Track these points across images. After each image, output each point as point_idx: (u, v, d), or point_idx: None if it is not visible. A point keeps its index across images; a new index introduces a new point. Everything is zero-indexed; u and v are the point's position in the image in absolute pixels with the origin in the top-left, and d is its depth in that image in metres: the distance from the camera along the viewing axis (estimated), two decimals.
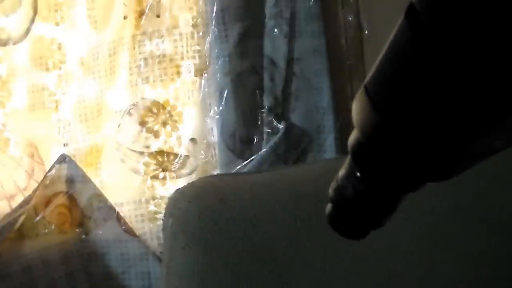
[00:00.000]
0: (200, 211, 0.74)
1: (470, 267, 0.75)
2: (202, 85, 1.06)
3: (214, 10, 1.02)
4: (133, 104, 1.08)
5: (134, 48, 1.07)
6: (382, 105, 0.33)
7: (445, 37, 0.29)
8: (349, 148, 0.37)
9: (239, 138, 1.03)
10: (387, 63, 0.33)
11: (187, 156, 1.08)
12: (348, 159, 0.37)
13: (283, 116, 1.03)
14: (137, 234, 1.04)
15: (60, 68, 1.13)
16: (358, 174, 0.36)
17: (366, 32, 1.04)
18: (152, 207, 1.08)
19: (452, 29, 0.29)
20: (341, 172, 0.38)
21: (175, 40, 1.07)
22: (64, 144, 1.12)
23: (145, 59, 1.07)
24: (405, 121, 0.32)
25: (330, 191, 0.39)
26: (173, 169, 1.08)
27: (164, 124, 1.08)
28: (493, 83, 0.29)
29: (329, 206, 0.40)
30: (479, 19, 0.28)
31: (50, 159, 1.10)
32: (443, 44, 0.29)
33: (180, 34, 1.07)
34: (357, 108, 0.35)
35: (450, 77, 0.29)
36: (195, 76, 1.07)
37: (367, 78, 0.34)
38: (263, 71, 1.03)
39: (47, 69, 1.13)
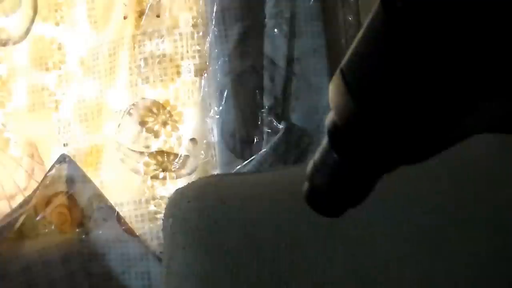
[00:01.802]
0: (200, 211, 0.74)
1: (472, 268, 0.75)
2: (202, 85, 1.06)
3: (214, 10, 1.02)
4: (133, 104, 1.08)
5: (134, 48, 1.07)
6: (357, 89, 0.33)
7: (418, 22, 0.30)
8: (326, 130, 0.37)
9: (239, 138, 1.03)
10: (362, 47, 0.33)
11: (187, 156, 1.08)
12: (325, 140, 0.38)
13: (283, 116, 1.03)
14: (137, 234, 1.04)
15: (60, 68, 1.13)
16: (335, 155, 0.37)
17: None
18: (152, 207, 1.08)
19: (425, 15, 0.29)
20: (319, 151, 0.39)
21: (175, 40, 1.07)
22: (64, 144, 1.12)
23: (145, 59, 1.07)
24: (380, 107, 0.33)
25: (308, 169, 0.40)
26: (173, 169, 1.08)
27: (164, 124, 1.08)
28: (465, 69, 0.30)
29: (306, 184, 0.40)
30: (450, 4, 0.29)
31: (50, 159, 1.10)
32: (417, 29, 0.30)
33: (180, 34, 1.07)
34: (333, 90, 0.35)
35: (421, 62, 0.30)
36: (195, 76, 1.07)
37: (344, 61, 0.34)
38: (263, 71, 1.03)
39: (47, 69, 1.13)
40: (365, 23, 0.32)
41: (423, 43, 0.30)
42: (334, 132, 0.36)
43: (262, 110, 1.03)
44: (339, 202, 0.39)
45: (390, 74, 0.31)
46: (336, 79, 0.34)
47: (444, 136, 0.33)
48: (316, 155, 0.39)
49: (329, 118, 0.37)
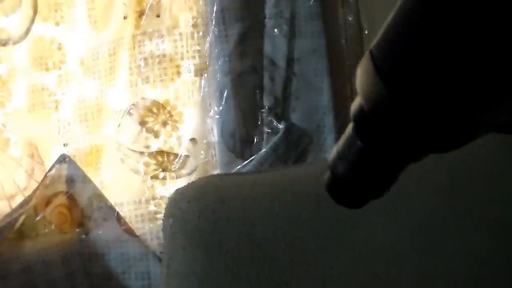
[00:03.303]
0: (200, 211, 0.74)
1: (471, 267, 0.76)
2: (202, 85, 1.06)
3: (214, 10, 1.02)
4: (133, 104, 1.08)
5: (134, 48, 1.07)
6: (387, 71, 0.31)
7: (451, 2, 0.28)
8: (351, 116, 0.35)
9: (239, 138, 1.03)
10: (394, 27, 0.31)
11: (187, 156, 1.08)
12: (349, 127, 0.36)
13: (283, 116, 1.03)
14: (137, 234, 1.04)
15: (60, 68, 1.13)
16: (360, 143, 0.35)
17: (366, 32, 1.04)
18: (152, 207, 1.07)
19: None
20: (342, 139, 0.37)
21: (175, 40, 1.07)
22: (64, 144, 1.12)
23: (145, 59, 1.07)
24: (412, 90, 0.30)
25: (330, 157, 0.38)
26: (173, 169, 1.08)
27: (164, 124, 1.08)
28: (503, 48, 0.28)
29: (327, 174, 0.38)
30: None
31: (50, 159, 1.09)
32: (450, 9, 0.28)
33: (180, 34, 1.07)
34: (361, 74, 0.33)
35: (458, 42, 0.28)
36: (195, 76, 1.07)
37: (373, 42, 0.32)
38: (263, 71, 1.03)
39: (47, 69, 1.13)
40: (397, 4, 0.31)
41: (457, 23, 0.28)
42: (360, 118, 0.34)
43: (262, 110, 1.03)
44: (362, 193, 0.37)
45: (423, 54, 0.30)
46: (365, 61, 0.32)
47: (477, 123, 0.31)
48: (340, 143, 0.37)
49: (355, 103, 0.35)
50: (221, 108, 1.03)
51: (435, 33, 0.29)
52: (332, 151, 0.38)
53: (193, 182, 0.80)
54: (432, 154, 0.34)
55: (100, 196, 1.03)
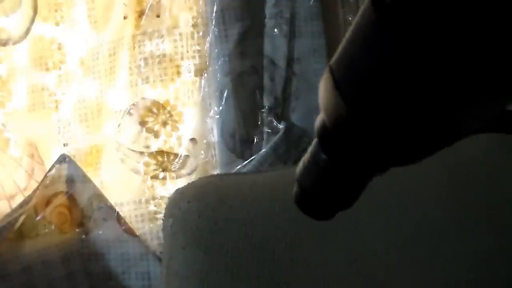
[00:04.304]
0: (200, 211, 0.74)
1: (471, 268, 0.75)
2: (202, 85, 1.06)
3: (214, 10, 1.02)
4: (133, 104, 1.08)
5: (134, 48, 1.07)
6: (346, 87, 0.31)
7: (408, 19, 0.28)
8: (315, 131, 0.36)
9: (239, 138, 1.03)
10: (351, 44, 0.31)
11: (187, 156, 1.08)
12: (315, 141, 0.37)
13: (283, 116, 1.03)
14: (137, 234, 1.04)
15: (60, 68, 1.13)
16: (324, 156, 0.36)
17: None
18: (152, 207, 1.07)
19: (415, 11, 0.28)
20: (308, 152, 0.38)
21: (175, 40, 1.07)
22: (64, 144, 1.12)
23: (145, 59, 1.07)
24: (370, 106, 0.31)
25: (297, 170, 0.39)
26: (173, 169, 1.08)
27: (164, 124, 1.08)
28: (458, 70, 0.28)
29: (295, 186, 0.39)
30: (442, 3, 0.28)
31: (50, 159, 1.09)
32: (407, 26, 0.28)
33: (180, 34, 1.07)
34: (322, 89, 0.34)
35: (413, 61, 0.29)
36: (195, 76, 1.07)
37: (333, 58, 0.33)
38: (263, 71, 1.03)
39: (47, 69, 1.13)
40: (355, 19, 0.31)
41: (414, 40, 0.28)
42: (323, 132, 0.35)
43: (262, 110, 1.03)
44: (329, 205, 0.38)
45: (380, 72, 0.30)
46: (325, 77, 0.33)
47: (438, 137, 0.32)
48: (306, 156, 0.38)
49: (319, 118, 0.35)
50: (221, 108, 1.03)
51: (390, 51, 0.29)
52: (299, 164, 0.38)
53: (193, 182, 0.80)
54: (395, 166, 0.34)
55: (100, 196, 1.03)
